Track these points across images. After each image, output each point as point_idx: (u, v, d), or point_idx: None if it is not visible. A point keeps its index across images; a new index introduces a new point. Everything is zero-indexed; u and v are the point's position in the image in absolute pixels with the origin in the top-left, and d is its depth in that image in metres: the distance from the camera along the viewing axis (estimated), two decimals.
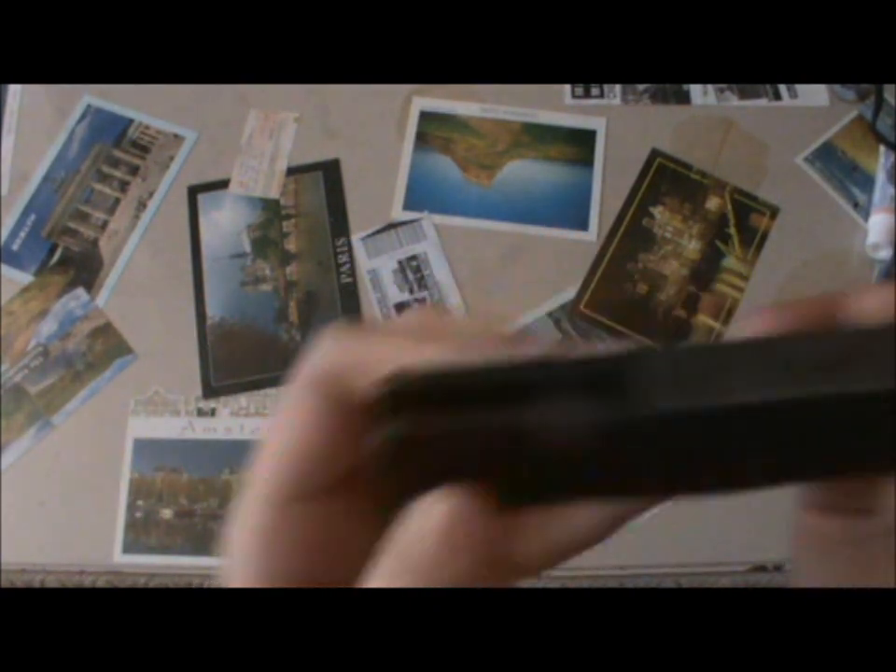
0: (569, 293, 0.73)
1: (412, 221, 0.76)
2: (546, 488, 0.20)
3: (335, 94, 0.81)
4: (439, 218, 0.76)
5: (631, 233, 0.75)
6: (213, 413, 0.71)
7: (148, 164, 0.80)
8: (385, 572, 0.19)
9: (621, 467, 0.19)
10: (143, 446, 0.70)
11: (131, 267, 0.76)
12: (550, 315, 0.72)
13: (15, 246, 0.77)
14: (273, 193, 0.78)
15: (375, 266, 0.75)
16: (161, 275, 0.76)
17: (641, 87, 0.80)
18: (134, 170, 0.80)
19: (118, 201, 0.78)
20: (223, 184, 0.78)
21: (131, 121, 0.81)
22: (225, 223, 0.77)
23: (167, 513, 0.69)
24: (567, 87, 0.80)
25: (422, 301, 0.73)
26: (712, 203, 0.76)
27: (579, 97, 0.80)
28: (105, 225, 0.78)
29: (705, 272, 0.74)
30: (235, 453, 0.70)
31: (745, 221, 0.75)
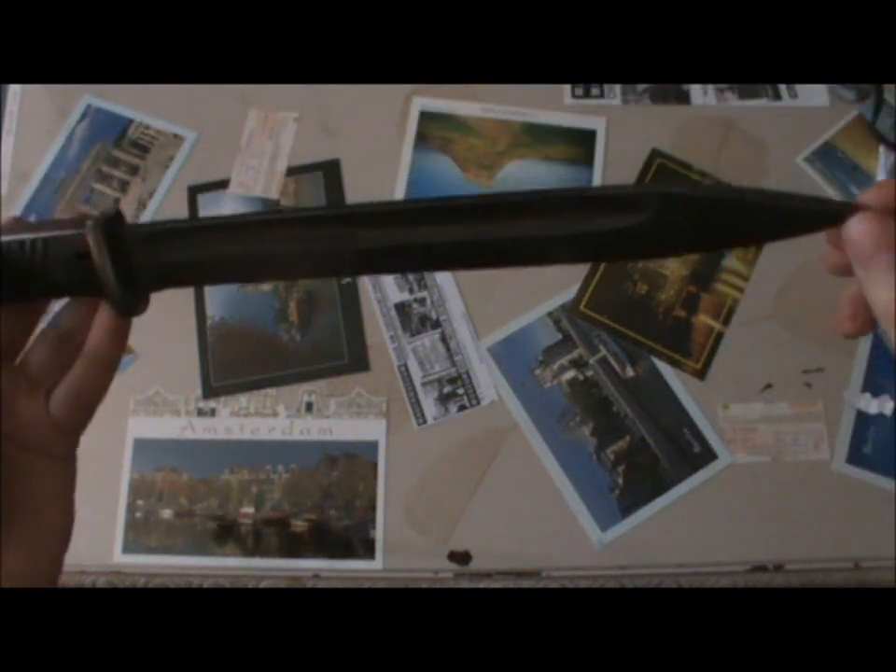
0: (569, 293, 0.73)
1: None
2: None
3: (335, 94, 0.81)
4: None
5: None
6: (213, 412, 0.71)
7: (148, 164, 0.80)
8: None
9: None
10: (143, 446, 0.70)
11: None
12: (550, 314, 0.72)
13: None
14: (273, 193, 0.78)
15: None
16: None
17: (641, 87, 0.80)
18: (134, 170, 0.80)
19: (118, 201, 0.78)
20: (223, 184, 0.78)
21: (131, 121, 0.81)
22: None
23: (167, 513, 0.69)
24: (567, 87, 0.80)
25: (422, 301, 0.73)
26: None
27: (579, 97, 0.80)
28: None
29: (705, 272, 0.74)
30: (235, 453, 0.70)
31: None
